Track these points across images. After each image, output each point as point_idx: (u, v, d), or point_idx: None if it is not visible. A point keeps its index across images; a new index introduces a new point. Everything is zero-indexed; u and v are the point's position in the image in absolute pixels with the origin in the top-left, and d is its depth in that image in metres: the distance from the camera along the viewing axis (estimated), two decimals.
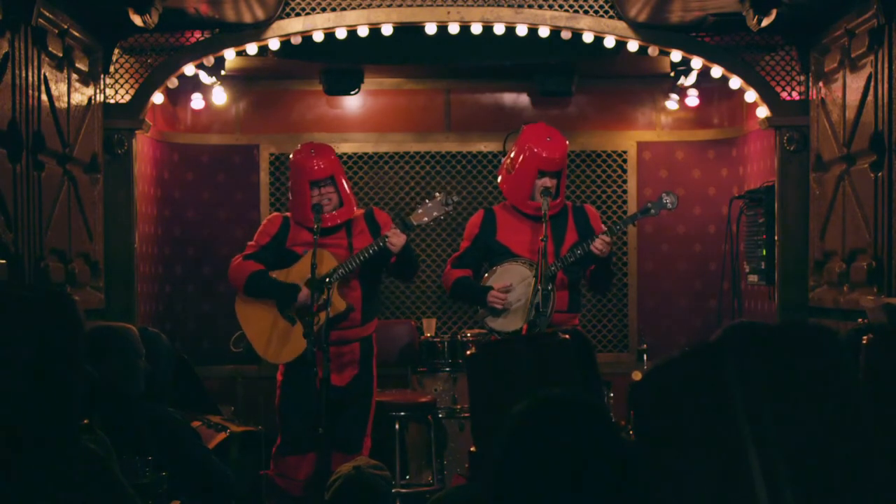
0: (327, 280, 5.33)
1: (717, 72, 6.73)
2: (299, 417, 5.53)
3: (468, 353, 2.90)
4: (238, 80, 7.70)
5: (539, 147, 5.67)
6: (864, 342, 2.32)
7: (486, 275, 5.79)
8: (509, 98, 8.03)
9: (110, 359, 4.17)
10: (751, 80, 6.60)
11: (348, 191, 5.71)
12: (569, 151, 5.96)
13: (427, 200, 5.63)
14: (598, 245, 5.50)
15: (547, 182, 5.67)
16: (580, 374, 2.49)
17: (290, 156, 5.80)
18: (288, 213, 5.81)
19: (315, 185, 5.61)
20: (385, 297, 7.75)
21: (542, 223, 5.56)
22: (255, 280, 5.61)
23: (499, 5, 6.39)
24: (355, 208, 5.76)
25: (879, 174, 5.34)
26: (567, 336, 2.61)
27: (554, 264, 5.53)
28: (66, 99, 5.69)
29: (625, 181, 7.93)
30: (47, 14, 5.32)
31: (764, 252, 6.85)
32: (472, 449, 2.94)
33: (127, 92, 6.50)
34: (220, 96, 7.45)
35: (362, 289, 5.66)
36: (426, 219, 5.59)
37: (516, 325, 5.66)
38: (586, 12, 6.42)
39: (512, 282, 5.67)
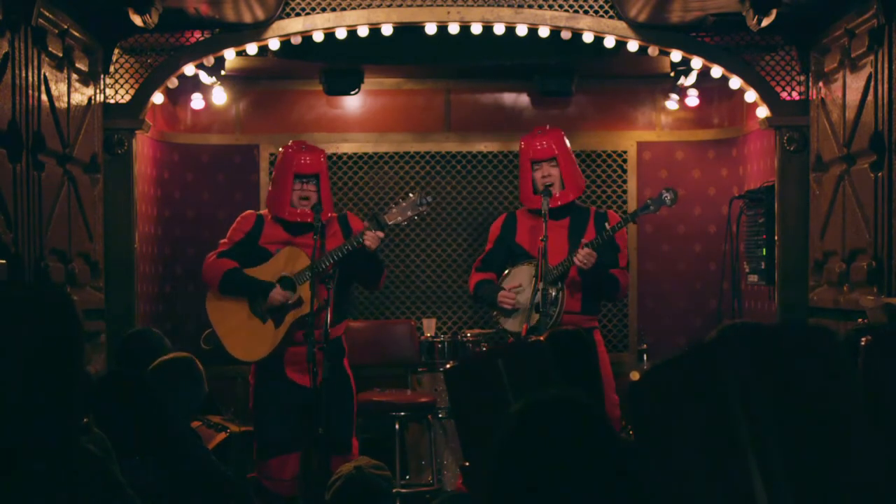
0: (326, 280, 5.31)
1: (717, 72, 6.73)
2: (275, 419, 5.50)
3: (447, 367, 2.90)
4: (238, 80, 7.70)
5: (528, 141, 5.78)
6: (863, 343, 2.32)
7: (503, 276, 5.81)
8: (509, 98, 8.03)
9: (180, 388, 4.23)
10: (751, 80, 6.60)
11: (328, 193, 5.65)
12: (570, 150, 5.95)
13: (401, 200, 5.51)
14: (580, 258, 5.47)
15: (544, 171, 5.68)
16: (558, 375, 2.46)
17: (280, 149, 5.72)
18: (262, 211, 5.76)
19: (299, 178, 5.53)
20: (385, 297, 7.76)
21: (559, 223, 5.60)
22: (230, 278, 5.55)
23: (499, 5, 6.39)
24: (331, 212, 5.72)
25: (879, 174, 5.34)
26: (541, 338, 2.60)
27: (556, 267, 5.53)
28: (66, 99, 5.69)
29: (625, 181, 7.93)
30: (47, 14, 5.32)
31: (764, 252, 6.85)
32: (466, 464, 2.90)
33: (127, 92, 6.50)
34: (220, 96, 7.44)
35: (333, 289, 5.61)
36: (400, 218, 5.45)
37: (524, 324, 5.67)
38: (586, 12, 6.42)
39: (522, 282, 5.66)
